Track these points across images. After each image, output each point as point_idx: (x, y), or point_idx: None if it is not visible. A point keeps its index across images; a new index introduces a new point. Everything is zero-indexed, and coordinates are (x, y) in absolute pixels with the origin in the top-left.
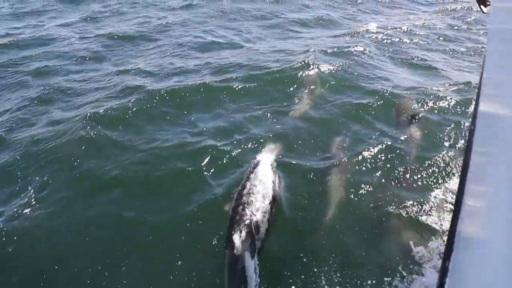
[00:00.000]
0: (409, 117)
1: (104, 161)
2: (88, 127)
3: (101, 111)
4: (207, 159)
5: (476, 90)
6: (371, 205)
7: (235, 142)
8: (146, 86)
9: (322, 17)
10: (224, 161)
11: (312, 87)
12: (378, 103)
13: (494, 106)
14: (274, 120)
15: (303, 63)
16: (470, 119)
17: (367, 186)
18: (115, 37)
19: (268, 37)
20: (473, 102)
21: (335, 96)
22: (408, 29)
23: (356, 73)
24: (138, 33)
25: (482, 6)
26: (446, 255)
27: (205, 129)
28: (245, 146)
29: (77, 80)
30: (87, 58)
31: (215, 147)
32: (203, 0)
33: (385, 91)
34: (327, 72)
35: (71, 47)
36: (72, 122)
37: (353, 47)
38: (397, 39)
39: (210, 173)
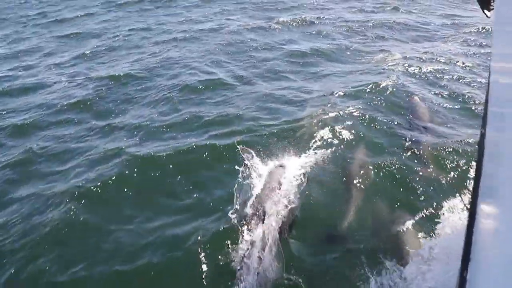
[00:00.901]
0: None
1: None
2: (67, 207)
3: (81, 185)
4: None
5: (485, 94)
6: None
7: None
8: (132, 152)
9: (340, 46)
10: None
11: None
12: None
13: (503, 109)
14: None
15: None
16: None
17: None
18: (105, 80)
19: (281, 74)
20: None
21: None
22: (435, 57)
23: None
24: (130, 74)
25: (485, 11)
26: (464, 265)
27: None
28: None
29: (58, 139)
30: (73, 109)
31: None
32: (200, 32)
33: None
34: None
35: (57, 94)
36: (49, 198)
37: (384, 85)
38: (430, 71)
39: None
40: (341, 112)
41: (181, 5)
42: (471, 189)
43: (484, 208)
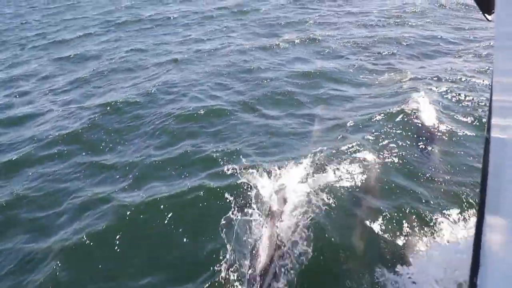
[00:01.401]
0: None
1: None
2: (50, 266)
3: (66, 238)
4: None
5: (488, 99)
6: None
7: None
8: (123, 197)
9: (346, 65)
10: None
11: None
12: None
13: (507, 114)
14: None
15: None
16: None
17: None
18: (100, 108)
19: (285, 98)
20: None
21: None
22: (449, 75)
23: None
24: (125, 101)
25: (486, 15)
26: (473, 271)
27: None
28: None
29: (45, 178)
30: (64, 142)
31: None
32: (200, 53)
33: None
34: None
35: (49, 125)
36: (30, 254)
37: (397, 110)
38: (444, 91)
39: None
40: (351, 146)
41: (181, 23)
42: (478, 194)
43: (492, 214)
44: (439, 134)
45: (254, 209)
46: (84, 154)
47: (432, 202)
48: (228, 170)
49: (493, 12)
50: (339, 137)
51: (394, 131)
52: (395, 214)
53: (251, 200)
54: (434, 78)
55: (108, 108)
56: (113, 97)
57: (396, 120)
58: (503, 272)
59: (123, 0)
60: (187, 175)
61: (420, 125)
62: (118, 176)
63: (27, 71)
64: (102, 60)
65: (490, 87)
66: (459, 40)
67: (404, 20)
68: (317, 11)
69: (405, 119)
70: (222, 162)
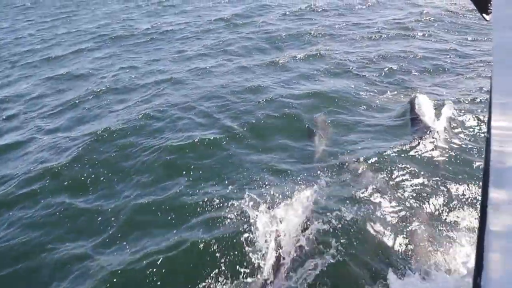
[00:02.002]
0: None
1: None
2: None
3: None
4: None
5: (488, 97)
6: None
7: None
8: (103, 260)
9: (352, 86)
10: None
11: None
12: None
13: (506, 114)
14: None
15: None
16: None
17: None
18: (86, 138)
19: (286, 129)
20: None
21: None
22: (468, 97)
23: None
24: (113, 130)
25: (484, 15)
26: (477, 272)
27: None
28: None
29: (16, 229)
30: (43, 181)
31: None
32: (195, 72)
33: None
34: None
35: (31, 157)
36: None
37: (410, 146)
38: (465, 120)
39: None
40: (360, 196)
41: (176, 37)
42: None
43: (494, 214)
44: (453, 169)
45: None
46: (66, 194)
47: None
48: (226, 215)
49: (491, 12)
50: (343, 169)
51: (404, 165)
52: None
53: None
54: (448, 98)
55: (95, 137)
56: (102, 124)
57: (408, 155)
58: (507, 273)
59: (119, 13)
60: (180, 222)
61: (433, 159)
62: (101, 223)
63: (16, 91)
64: (93, 80)
65: (489, 86)
66: (471, 52)
67: (412, 31)
68: (319, 22)
69: (418, 153)
70: (211, 210)
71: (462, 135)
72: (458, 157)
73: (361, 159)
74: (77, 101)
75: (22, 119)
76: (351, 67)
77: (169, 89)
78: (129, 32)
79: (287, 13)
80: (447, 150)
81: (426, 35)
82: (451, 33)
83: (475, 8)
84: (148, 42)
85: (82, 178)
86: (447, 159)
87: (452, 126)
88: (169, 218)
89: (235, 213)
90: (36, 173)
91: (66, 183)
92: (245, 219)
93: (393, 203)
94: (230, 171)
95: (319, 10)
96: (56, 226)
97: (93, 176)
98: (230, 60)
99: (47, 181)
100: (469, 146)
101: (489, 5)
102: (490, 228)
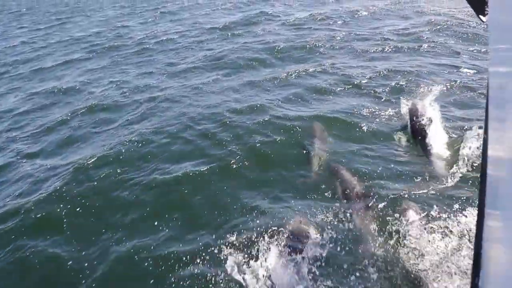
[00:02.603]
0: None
1: None
2: None
3: None
4: None
5: (485, 96)
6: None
7: None
8: None
9: (364, 108)
10: None
11: None
12: None
13: (503, 113)
14: None
15: None
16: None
17: None
18: (67, 170)
19: (284, 168)
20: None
21: None
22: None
23: None
24: (96, 162)
25: (480, 16)
26: (475, 272)
27: None
28: None
29: None
30: (15, 228)
31: None
32: (188, 89)
33: None
34: None
35: (4, 193)
36: None
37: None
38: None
39: None
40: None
41: (171, 47)
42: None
43: (491, 214)
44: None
45: None
46: (37, 236)
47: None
48: (215, 271)
49: (487, 13)
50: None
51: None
52: None
53: None
54: (460, 117)
55: (77, 166)
56: (86, 150)
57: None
58: (505, 273)
59: (114, 20)
60: (164, 277)
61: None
62: (74, 275)
63: (0, 107)
64: (81, 96)
65: (486, 86)
66: (482, 65)
67: (419, 42)
68: (321, 32)
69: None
70: (208, 255)
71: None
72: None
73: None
74: (62, 121)
75: (2, 140)
76: (355, 83)
77: (160, 107)
78: (121, 42)
79: (286, 22)
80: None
81: (434, 46)
82: (460, 43)
83: (471, 9)
84: (141, 53)
85: (58, 218)
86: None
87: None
88: (153, 271)
89: (224, 270)
90: (7, 209)
91: (39, 222)
92: (237, 277)
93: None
94: (223, 209)
95: (320, 18)
96: (20, 275)
97: (70, 215)
98: (225, 75)
99: (18, 219)
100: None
101: (486, 6)
102: (488, 229)
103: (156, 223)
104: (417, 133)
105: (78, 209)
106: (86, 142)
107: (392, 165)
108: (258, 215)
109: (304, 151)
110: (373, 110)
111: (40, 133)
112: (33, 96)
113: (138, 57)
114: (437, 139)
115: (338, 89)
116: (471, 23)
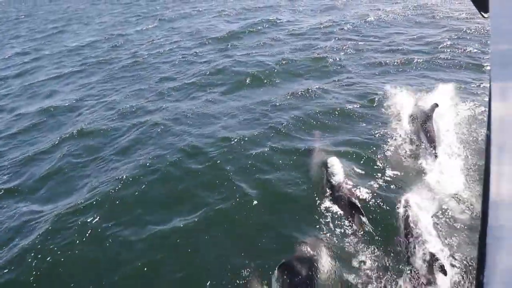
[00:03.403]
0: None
1: None
2: None
3: None
4: None
5: (488, 93)
6: None
7: None
8: None
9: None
10: None
11: None
12: None
13: (506, 110)
14: None
15: None
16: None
17: None
18: (41, 220)
19: (280, 215)
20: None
21: None
22: None
23: None
24: (76, 213)
25: (482, 12)
26: (479, 269)
27: None
28: None
29: None
30: None
31: None
32: (181, 115)
33: None
34: None
35: None
36: None
37: None
38: None
39: None
40: None
41: (166, 60)
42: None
43: (495, 210)
44: None
45: None
46: None
47: None
48: None
49: (489, 9)
50: None
51: None
52: None
53: None
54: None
55: (57, 214)
56: (67, 195)
57: None
58: (509, 271)
59: (110, 29)
60: None
61: None
62: None
63: None
64: (68, 119)
65: (489, 82)
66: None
67: (436, 54)
68: (328, 45)
69: None
70: None
71: None
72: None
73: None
74: (46, 150)
75: None
76: (373, 104)
77: (151, 136)
78: (116, 54)
79: (292, 31)
80: None
81: (455, 64)
82: (480, 52)
83: (473, 5)
84: (135, 66)
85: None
86: None
87: None
88: None
89: None
90: None
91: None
92: None
93: None
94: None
95: (326, 27)
96: None
97: (42, 277)
98: (223, 93)
99: None
100: None
101: (487, 1)
102: (492, 226)
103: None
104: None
105: (49, 268)
106: (70, 180)
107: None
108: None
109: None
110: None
111: (20, 166)
112: (20, 117)
113: (131, 71)
114: None
115: (354, 110)
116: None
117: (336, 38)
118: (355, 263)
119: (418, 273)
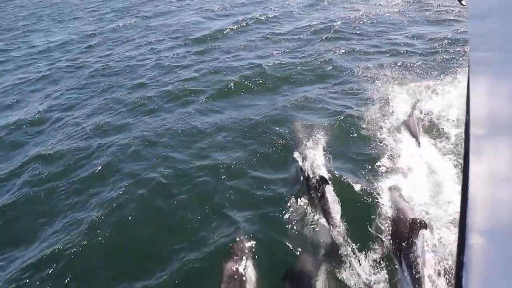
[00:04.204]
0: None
1: None
2: None
3: None
4: None
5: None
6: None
7: None
8: None
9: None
10: None
11: None
12: None
13: (484, 95)
14: None
15: None
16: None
17: None
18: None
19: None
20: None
21: None
22: None
23: None
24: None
25: (461, 1)
26: (460, 249)
27: None
28: None
29: None
30: None
31: None
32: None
33: None
34: None
35: None
36: None
37: None
38: None
39: None
40: None
41: (142, 62)
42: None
43: (476, 187)
44: None
45: None
46: None
47: None
48: None
49: None
50: None
51: None
52: None
53: None
54: None
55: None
56: (28, 245)
57: None
58: (489, 250)
59: (84, 27)
60: None
61: None
62: None
63: None
64: (29, 139)
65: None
66: None
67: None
68: (330, 49)
69: None
70: None
71: None
72: None
73: None
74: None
75: None
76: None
77: (120, 161)
78: (86, 57)
79: (282, 31)
80: None
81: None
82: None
83: None
84: (106, 72)
85: None
86: None
87: None
88: None
89: None
90: None
91: None
92: None
93: None
94: None
95: (318, 24)
96: None
97: None
98: (203, 103)
99: None
100: None
101: None
102: (472, 205)
103: None
104: None
105: None
106: (28, 226)
107: None
108: None
109: None
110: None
111: None
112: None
113: (103, 77)
114: None
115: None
116: None
117: (329, 38)
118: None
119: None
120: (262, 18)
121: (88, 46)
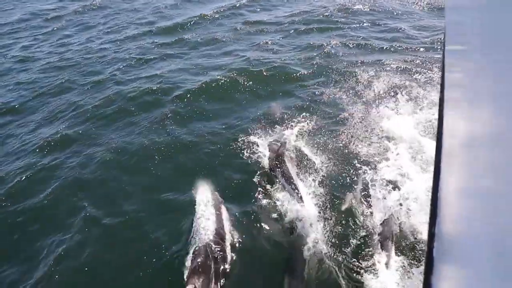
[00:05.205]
0: None
1: None
2: None
3: None
4: None
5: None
6: None
7: None
8: None
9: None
10: None
11: None
12: None
13: (457, 83)
14: None
15: None
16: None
17: None
18: None
19: None
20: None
21: None
22: None
23: None
24: None
25: None
26: (432, 221)
27: None
28: None
29: None
30: None
31: None
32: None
33: None
34: None
35: None
36: None
37: None
38: None
39: None
40: None
41: (102, 60)
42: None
43: (448, 162)
44: None
45: None
46: None
47: None
48: None
49: None
50: None
51: None
52: None
53: None
54: None
55: None
56: None
57: None
58: (459, 222)
59: (40, 15)
60: None
61: None
62: None
63: None
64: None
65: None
66: None
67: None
68: (328, 56)
69: None
70: None
71: None
72: None
73: None
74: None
75: None
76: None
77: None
78: (33, 51)
79: (260, 20)
80: None
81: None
82: None
83: None
84: (56, 71)
85: None
86: None
87: None
88: None
89: None
90: None
91: None
92: None
93: None
94: None
95: (298, 15)
96: None
97: None
98: (159, 122)
99: None
100: None
101: None
102: (444, 178)
103: None
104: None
105: None
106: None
107: None
108: None
109: None
110: None
111: None
112: None
113: (55, 72)
114: None
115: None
116: None
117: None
118: None
119: None
120: (244, 2)
121: (45, 33)
